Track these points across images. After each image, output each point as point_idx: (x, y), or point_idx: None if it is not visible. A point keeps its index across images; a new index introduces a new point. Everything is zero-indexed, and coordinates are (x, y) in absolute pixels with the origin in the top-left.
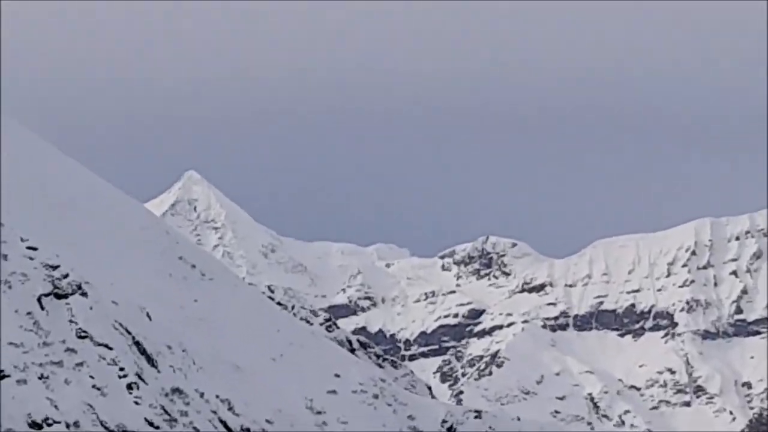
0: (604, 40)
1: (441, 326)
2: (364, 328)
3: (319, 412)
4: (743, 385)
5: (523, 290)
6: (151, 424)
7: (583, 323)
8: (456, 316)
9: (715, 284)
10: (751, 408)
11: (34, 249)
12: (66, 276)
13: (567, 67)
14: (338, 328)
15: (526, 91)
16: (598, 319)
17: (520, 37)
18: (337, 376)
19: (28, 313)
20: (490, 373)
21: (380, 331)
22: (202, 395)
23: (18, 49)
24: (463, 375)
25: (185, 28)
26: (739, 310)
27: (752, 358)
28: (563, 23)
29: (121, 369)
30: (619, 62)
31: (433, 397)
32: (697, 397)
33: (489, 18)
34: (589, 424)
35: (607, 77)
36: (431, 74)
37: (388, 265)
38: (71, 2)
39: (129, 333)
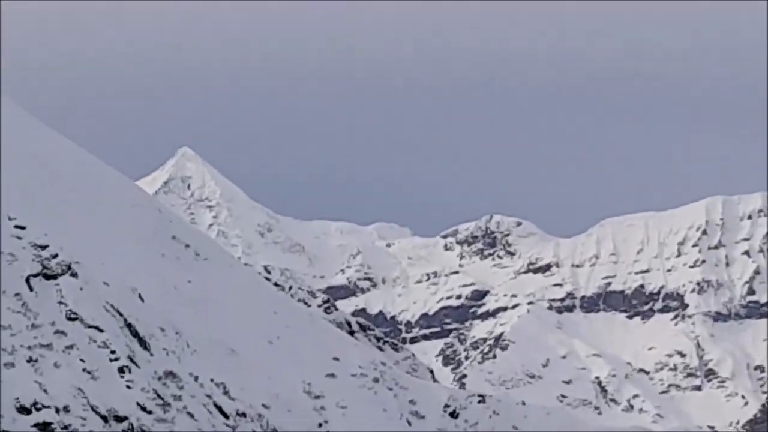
0: (611, 14)
1: (443, 308)
2: (363, 310)
3: (317, 397)
4: (755, 368)
5: (528, 271)
6: (143, 408)
7: (590, 305)
8: (459, 297)
9: (727, 264)
10: (764, 392)
11: (22, 228)
12: (55, 256)
13: (574, 43)
14: (337, 309)
15: (531, 67)
16: (605, 300)
17: (522, 12)
18: (336, 359)
19: (17, 295)
20: (494, 356)
21: (380, 312)
22: (196, 379)
23: (8, 21)
24: (467, 358)
25: (179, 4)
26: (751, 291)
27: (765, 340)
28: None
29: (113, 352)
30: (628, 37)
31: (435, 381)
32: (708, 380)
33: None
34: (597, 408)
35: (615, 53)
36: (432, 51)
37: (388, 245)
38: None
39: (120, 315)
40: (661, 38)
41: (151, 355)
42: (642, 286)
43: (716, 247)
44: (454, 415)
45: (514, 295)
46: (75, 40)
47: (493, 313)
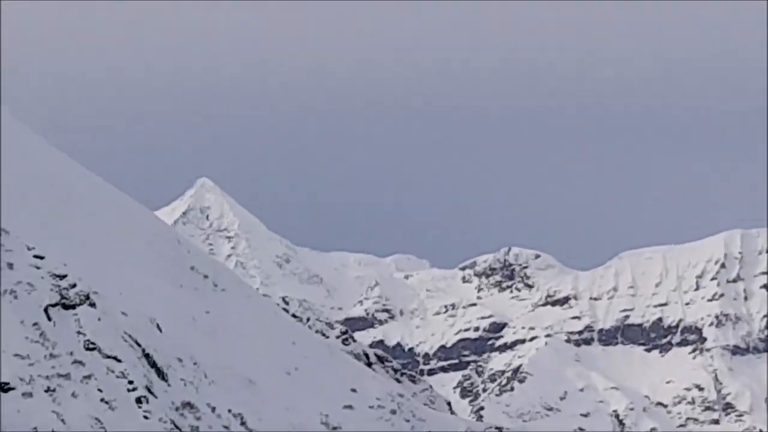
0: (627, 43)
1: (461, 340)
2: (381, 342)
3: (334, 428)
4: None
5: (546, 303)
6: None
7: (608, 338)
8: (477, 329)
9: (745, 298)
10: None
11: (41, 258)
12: (74, 286)
13: (593, 74)
14: (355, 341)
15: (550, 99)
16: (623, 333)
17: (539, 41)
18: (354, 390)
19: (35, 324)
20: (512, 389)
21: (398, 344)
22: (213, 410)
23: (27, 50)
24: (484, 390)
25: (198, 31)
26: None
27: None
28: (581, 23)
29: (130, 382)
30: (645, 68)
31: (452, 413)
32: (726, 414)
33: (510, 19)
34: None
35: (632, 84)
36: (452, 80)
37: (406, 277)
38: (81, 2)
39: (138, 345)
40: (686, 68)
41: (169, 385)
42: (660, 319)
43: (735, 281)
44: None
45: (532, 328)
46: (95, 68)
47: (511, 346)
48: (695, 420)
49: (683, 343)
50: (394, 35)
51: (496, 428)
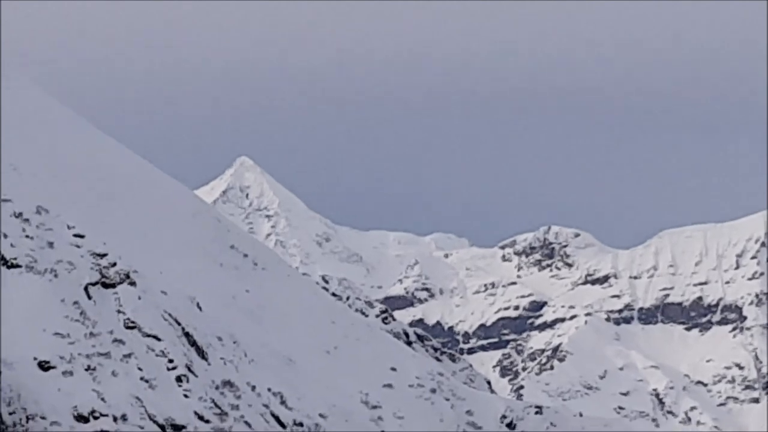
0: (670, 24)
1: (501, 319)
2: (421, 320)
3: (374, 407)
4: None
5: (586, 282)
6: (200, 417)
7: (648, 316)
8: (516, 308)
9: None
10: None
11: (81, 236)
12: (114, 264)
13: (635, 53)
14: (395, 320)
15: (591, 78)
16: (663, 312)
17: (581, 22)
18: (394, 369)
19: (75, 303)
20: (552, 368)
21: (438, 323)
22: (253, 388)
23: (67, 30)
24: (524, 369)
25: (240, 10)
26: None
27: None
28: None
29: (170, 361)
30: (689, 47)
31: (492, 391)
32: (767, 392)
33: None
34: (654, 420)
35: (675, 63)
36: (490, 61)
37: (446, 255)
38: None
39: (178, 324)
40: (723, 49)
41: (209, 364)
42: (700, 298)
43: None
44: (511, 426)
45: (571, 306)
46: (138, 50)
47: (550, 324)
48: (735, 399)
49: (723, 321)
50: (436, 23)
51: (536, 407)
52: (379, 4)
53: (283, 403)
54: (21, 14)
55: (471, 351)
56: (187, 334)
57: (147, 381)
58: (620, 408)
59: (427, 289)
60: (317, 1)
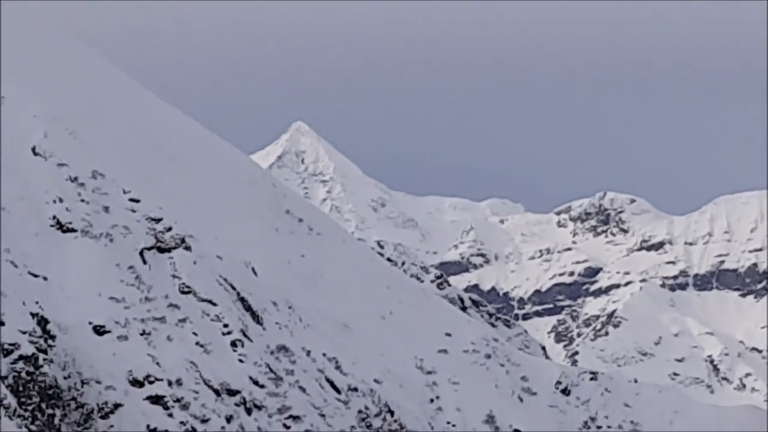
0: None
1: (556, 285)
2: (476, 286)
3: (429, 372)
4: None
5: (641, 248)
6: (255, 382)
7: (703, 283)
8: (572, 274)
9: None
10: None
11: (137, 201)
12: (169, 229)
13: (691, 21)
14: (450, 285)
15: (645, 45)
16: (718, 278)
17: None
18: (448, 335)
19: (130, 267)
20: (607, 334)
21: (493, 289)
22: (308, 353)
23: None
24: (579, 335)
25: None
26: None
27: None
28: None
29: (225, 326)
30: (743, 13)
31: (547, 357)
32: None
33: None
34: (709, 387)
35: (732, 30)
36: (548, 31)
37: (501, 221)
38: None
39: (234, 289)
40: None
41: (264, 329)
42: (755, 264)
43: None
44: (565, 392)
45: (626, 273)
46: (193, 14)
47: (605, 291)
48: None
49: None
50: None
51: (591, 373)
52: None
53: (338, 368)
54: None
55: (526, 317)
56: (242, 299)
57: (202, 346)
58: (675, 374)
59: (482, 255)
60: None
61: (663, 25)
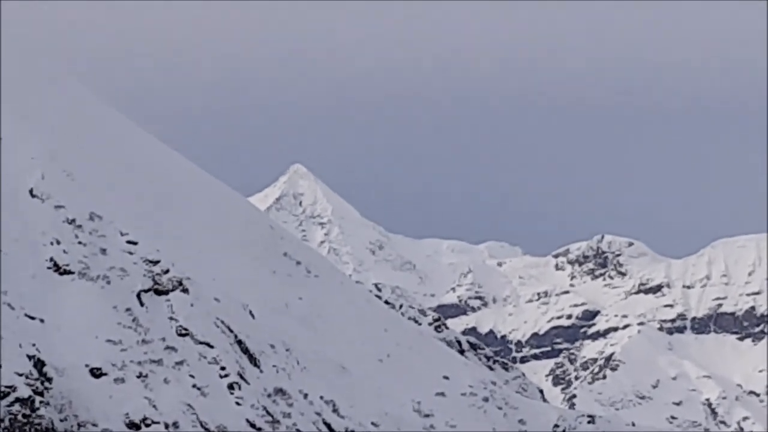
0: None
1: (554, 327)
2: (474, 329)
3: (426, 415)
4: None
5: (639, 291)
6: (252, 425)
7: (701, 326)
8: (569, 317)
9: None
10: None
11: (134, 243)
12: (167, 271)
13: (688, 63)
14: (447, 328)
15: (643, 87)
16: (716, 321)
17: (636, 27)
18: (446, 378)
19: (127, 310)
20: (604, 377)
21: (491, 331)
22: (305, 396)
23: (123, 35)
24: (577, 378)
25: (290, 20)
26: None
27: None
28: (673, 17)
29: (223, 368)
30: (743, 56)
31: (545, 400)
32: None
33: (601, 16)
34: (707, 430)
35: (728, 73)
36: (546, 70)
37: (499, 264)
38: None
39: (231, 331)
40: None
41: (261, 371)
42: (753, 308)
43: None
44: None
45: (624, 316)
46: (192, 55)
47: (603, 334)
48: None
49: None
50: (495, 26)
51: (589, 416)
52: (435, 5)
53: (335, 411)
54: (74, 17)
55: (524, 360)
56: (239, 342)
57: (199, 388)
58: (673, 418)
59: (480, 298)
60: (371, 3)
61: (657, 68)
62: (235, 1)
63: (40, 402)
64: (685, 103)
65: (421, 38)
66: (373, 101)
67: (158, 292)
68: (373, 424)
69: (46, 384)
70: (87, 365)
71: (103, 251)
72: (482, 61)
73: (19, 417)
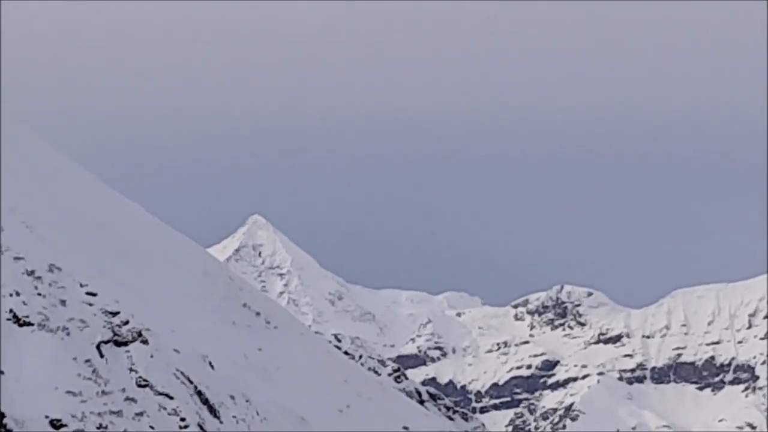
0: (678, 81)
1: (513, 378)
2: (434, 379)
3: None
4: None
5: (598, 341)
6: None
7: (660, 376)
8: (529, 367)
9: None
10: None
11: (94, 295)
12: (126, 323)
13: (643, 113)
14: (407, 378)
15: (601, 137)
16: (676, 371)
17: (589, 78)
18: (406, 428)
19: (87, 361)
20: (564, 427)
21: (450, 382)
22: None
23: (77, 87)
24: (536, 429)
25: (249, 68)
26: None
27: None
28: (638, 64)
29: (182, 419)
30: (696, 108)
31: None
32: None
33: (552, 64)
34: None
35: (684, 124)
36: (502, 119)
37: (459, 314)
38: (136, 44)
39: (191, 382)
40: (730, 109)
41: (221, 422)
42: (713, 357)
43: None
44: None
45: (584, 366)
46: (148, 106)
47: (563, 384)
48: None
49: (736, 381)
50: (450, 80)
51: None
52: (394, 57)
53: None
54: (30, 70)
55: (483, 410)
56: (199, 393)
57: None
58: None
59: (439, 348)
60: (331, 55)
61: (615, 117)
62: (196, 51)
63: None
64: (643, 153)
65: (377, 90)
66: (331, 153)
67: (118, 344)
68: None
69: None
70: (47, 416)
71: (63, 302)
72: (437, 113)
73: None
